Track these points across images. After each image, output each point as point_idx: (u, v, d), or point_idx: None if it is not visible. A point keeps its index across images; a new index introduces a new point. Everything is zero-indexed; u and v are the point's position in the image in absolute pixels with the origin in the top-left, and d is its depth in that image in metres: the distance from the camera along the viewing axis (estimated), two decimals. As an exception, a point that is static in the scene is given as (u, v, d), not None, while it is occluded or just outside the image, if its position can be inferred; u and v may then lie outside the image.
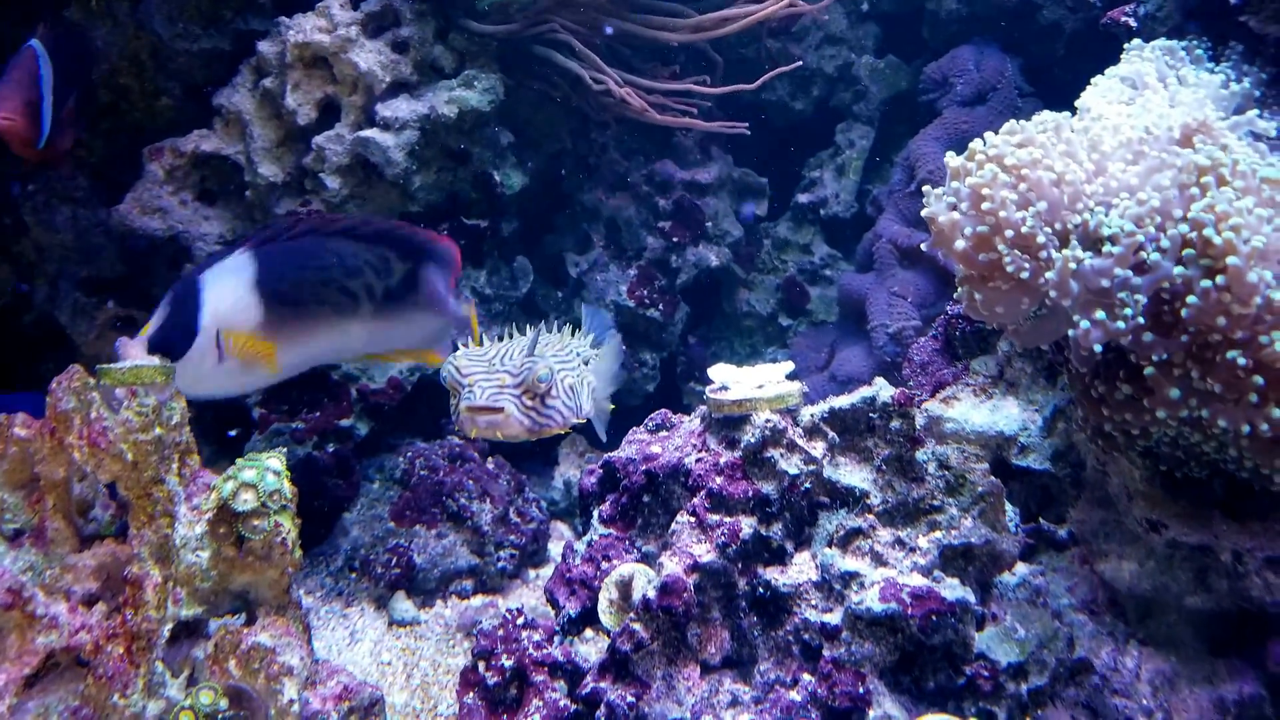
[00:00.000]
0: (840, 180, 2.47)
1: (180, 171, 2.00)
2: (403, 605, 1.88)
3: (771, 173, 2.51)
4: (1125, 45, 1.31)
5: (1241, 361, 0.95)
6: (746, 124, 2.14)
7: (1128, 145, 1.01)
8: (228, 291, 1.49)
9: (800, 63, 2.34)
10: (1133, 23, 1.47)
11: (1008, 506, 1.29)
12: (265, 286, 1.51)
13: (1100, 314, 0.94)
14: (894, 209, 2.18)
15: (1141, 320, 0.97)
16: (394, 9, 1.99)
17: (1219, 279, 0.93)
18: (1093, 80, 1.22)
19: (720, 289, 2.48)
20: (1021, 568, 1.25)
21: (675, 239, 2.32)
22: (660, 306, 2.29)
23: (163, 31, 1.97)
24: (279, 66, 1.97)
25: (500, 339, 1.47)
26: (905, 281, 2.06)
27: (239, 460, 1.27)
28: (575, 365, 1.38)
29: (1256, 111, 1.11)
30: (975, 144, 1.10)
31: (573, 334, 1.61)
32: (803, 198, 2.49)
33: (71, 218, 2.05)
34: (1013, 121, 1.11)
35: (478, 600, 1.95)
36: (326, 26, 1.95)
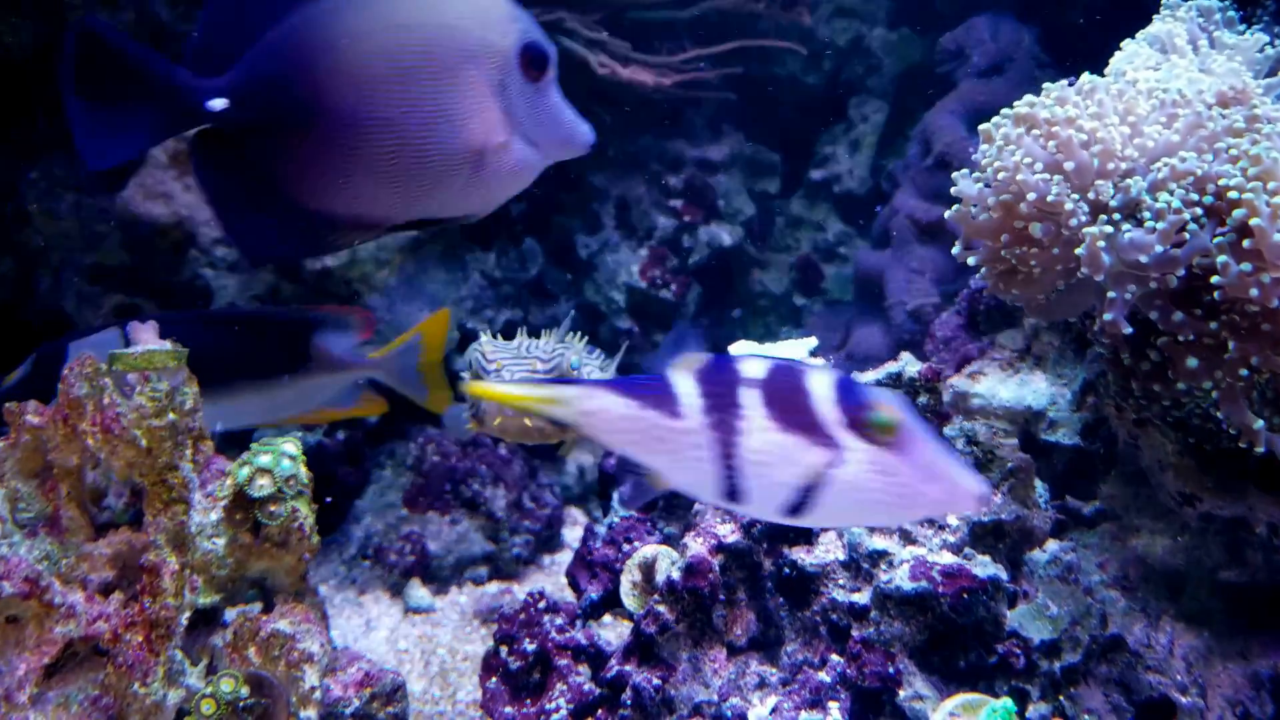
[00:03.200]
0: (854, 156, 2.47)
1: (185, 155, 2.00)
2: (418, 592, 1.89)
3: (784, 149, 2.51)
4: (1163, 3, 1.30)
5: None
6: (706, 125, 2.15)
7: (1162, 108, 1.00)
8: None
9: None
10: (1157, -15, 1.45)
11: (1037, 482, 1.29)
12: None
13: (1133, 288, 0.94)
14: (910, 184, 2.17)
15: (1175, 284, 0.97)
16: None
17: (1245, 264, 0.93)
18: (1122, 44, 1.22)
19: (733, 267, 2.48)
20: (1052, 544, 1.25)
21: (687, 218, 2.32)
22: (672, 287, 2.29)
23: (164, 14, 1.96)
24: (283, 47, 1.96)
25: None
26: (924, 258, 2.06)
27: (254, 445, 1.27)
28: (596, 360, 1.37)
29: (1289, 74, 1.10)
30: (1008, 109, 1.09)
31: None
32: (816, 174, 2.50)
33: (75, 205, 2.05)
34: (1048, 84, 1.10)
35: (493, 587, 1.96)
36: (331, 6, 1.94)
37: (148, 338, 1.33)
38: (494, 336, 1.38)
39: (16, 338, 2.10)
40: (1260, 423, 1.02)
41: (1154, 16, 1.21)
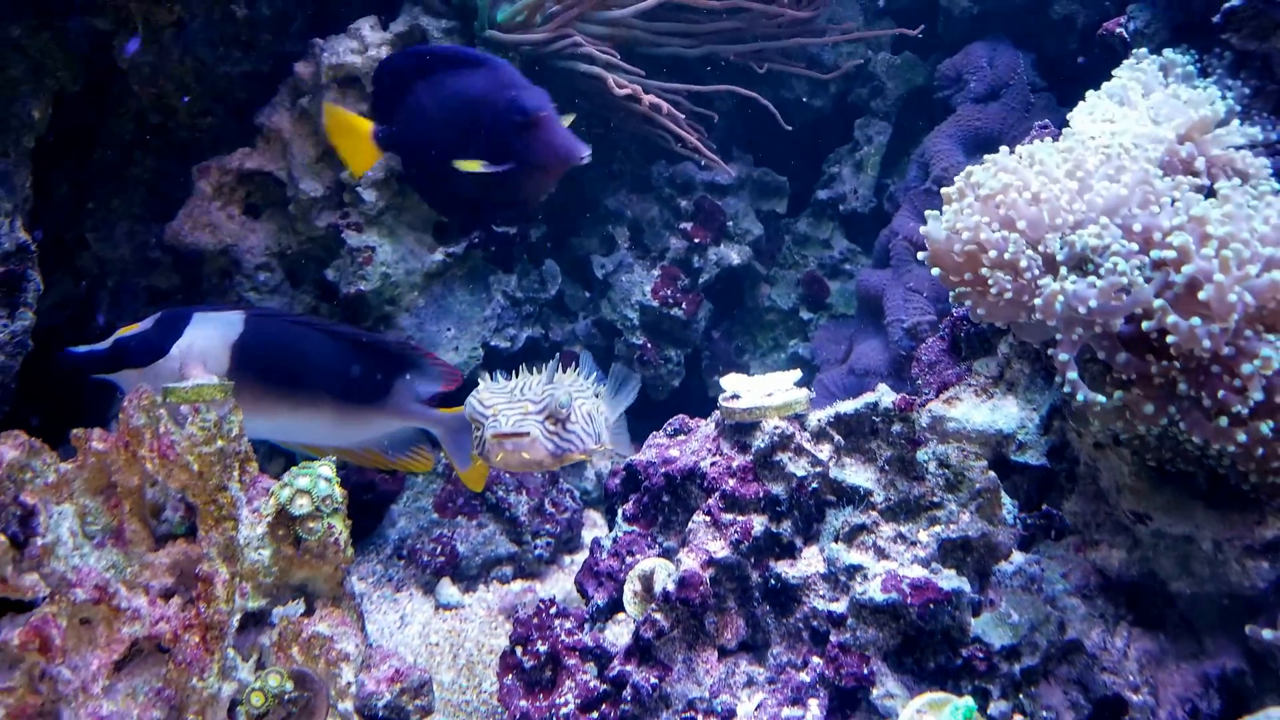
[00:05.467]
0: (859, 176, 2.54)
1: (227, 188, 2.12)
2: (448, 590, 2.01)
3: (791, 170, 2.58)
4: (1129, 57, 1.38)
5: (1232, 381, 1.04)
6: (716, 151, 2.25)
7: (1109, 162, 1.09)
8: (207, 337, 1.64)
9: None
10: (1125, 35, 1.53)
11: (1006, 500, 1.38)
12: (240, 348, 1.65)
13: (1080, 330, 1.03)
14: (909, 206, 2.25)
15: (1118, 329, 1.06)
16: (421, 28, 2.10)
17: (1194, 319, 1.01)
18: (1085, 96, 1.30)
19: (742, 285, 2.57)
20: (1018, 557, 1.34)
21: (697, 239, 2.41)
22: (683, 305, 2.38)
23: (206, 55, 2.08)
24: (315, 86, 2.08)
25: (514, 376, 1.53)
26: (920, 277, 2.14)
27: (293, 469, 1.40)
28: (590, 395, 1.46)
29: (1238, 122, 1.18)
30: (959, 178, 1.18)
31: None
32: (822, 194, 2.57)
33: (129, 233, 2.18)
34: (989, 156, 1.19)
35: (517, 585, 2.07)
36: (359, 48, 2.06)
37: (197, 373, 1.46)
38: (495, 378, 1.46)
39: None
40: (1225, 419, 1.09)
41: (1114, 72, 1.29)
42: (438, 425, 1.82)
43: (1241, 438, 1.07)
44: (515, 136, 1.70)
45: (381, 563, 2.12)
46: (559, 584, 2.08)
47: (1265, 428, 1.06)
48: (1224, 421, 1.07)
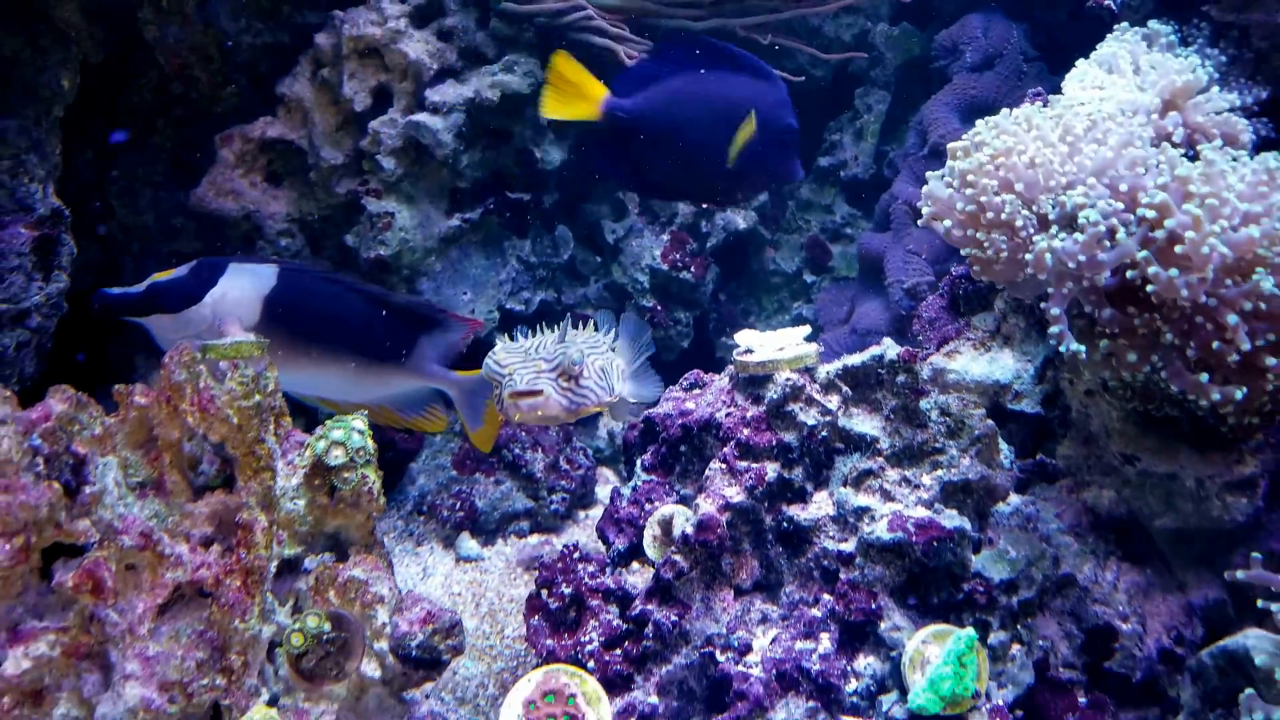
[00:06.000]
0: (859, 143, 2.58)
1: (249, 156, 2.15)
2: (468, 544, 2.07)
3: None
4: (1114, 28, 1.42)
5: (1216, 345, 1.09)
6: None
7: (1096, 127, 1.13)
8: (241, 287, 1.66)
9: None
10: (1114, 7, 1.57)
11: (1003, 446, 1.43)
12: (272, 301, 1.67)
13: (1070, 285, 1.08)
14: (908, 171, 2.29)
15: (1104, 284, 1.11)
16: (439, 1, 2.12)
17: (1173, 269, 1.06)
18: (1076, 64, 1.34)
19: (748, 249, 2.61)
20: (1015, 498, 1.39)
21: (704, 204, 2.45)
22: (692, 269, 2.42)
23: (228, 27, 2.11)
24: (335, 57, 2.11)
25: (531, 335, 1.56)
26: (919, 240, 2.18)
27: (328, 421, 1.44)
28: (604, 350, 1.49)
29: (1218, 89, 1.22)
30: (963, 138, 1.22)
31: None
32: (824, 160, 2.61)
33: (153, 200, 2.21)
34: (990, 117, 1.23)
35: (534, 539, 2.12)
36: (378, 20, 2.08)
37: (235, 330, 1.50)
38: (510, 339, 1.50)
39: (101, 322, 2.28)
40: (1205, 376, 1.14)
41: (1100, 44, 1.33)
42: (453, 386, 1.85)
43: (1215, 396, 1.12)
44: (774, 147, 1.79)
45: (402, 518, 2.18)
46: (574, 538, 2.13)
47: (1239, 393, 1.11)
48: (1204, 378, 1.12)
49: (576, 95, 1.82)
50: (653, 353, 1.56)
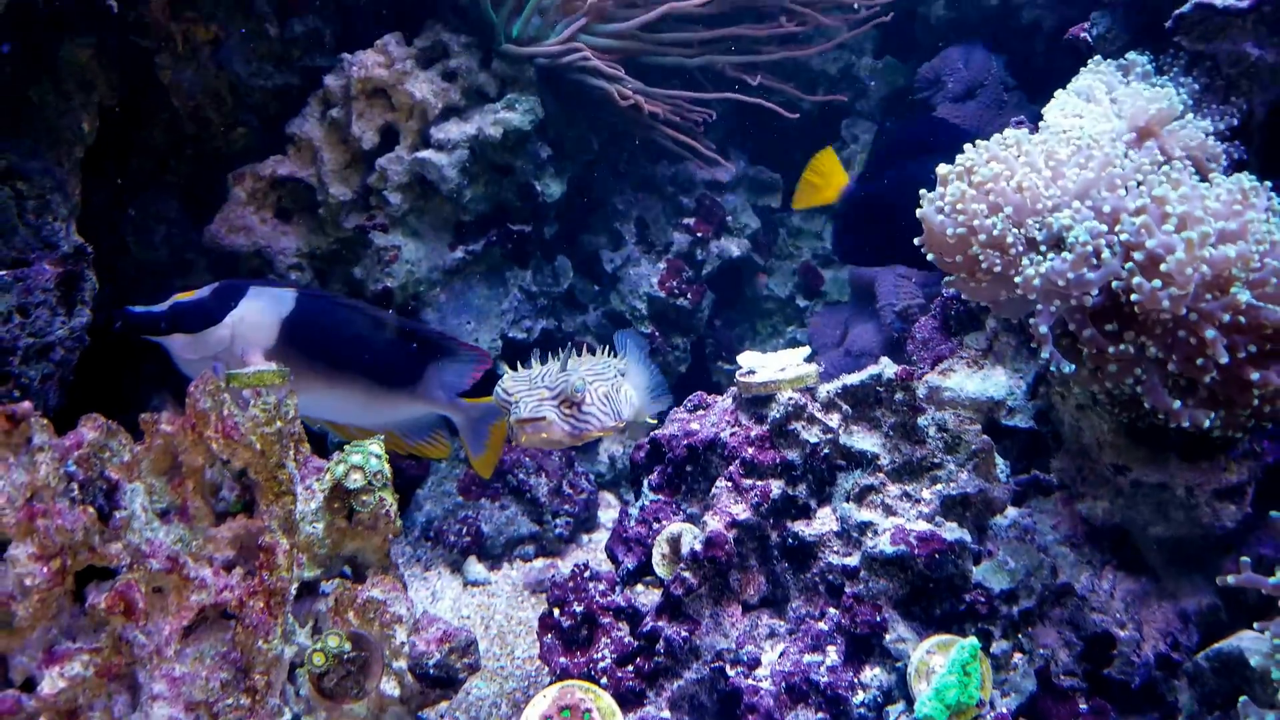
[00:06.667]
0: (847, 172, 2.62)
1: (260, 193, 2.18)
2: (475, 568, 2.07)
3: (784, 167, 2.67)
4: (1089, 61, 1.46)
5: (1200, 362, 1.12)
6: (728, 164, 2.34)
7: (1080, 151, 1.17)
8: (260, 310, 1.67)
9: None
10: (1089, 39, 1.62)
11: (999, 460, 1.45)
12: (289, 324, 1.68)
13: (1057, 303, 1.11)
14: (896, 199, 2.33)
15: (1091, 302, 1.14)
16: (443, 43, 2.16)
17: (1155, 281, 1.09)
18: (1055, 94, 1.38)
19: (742, 275, 2.65)
20: (1012, 511, 1.42)
21: (699, 233, 2.48)
22: (688, 295, 2.46)
23: (240, 70, 2.14)
24: (344, 98, 2.14)
25: (546, 361, 1.58)
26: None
27: (346, 447, 1.46)
28: (610, 376, 1.52)
29: (1192, 115, 1.26)
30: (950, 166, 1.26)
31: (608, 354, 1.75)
32: (814, 189, 2.65)
33: (167, 236, 2.23)
34: (979, 142, 1.27)
35: (539, 562, 2.13)
36: (385, 61, 2.12)
37: (256, 360, 1.52)
38: (517, 368, 1.52)
39: (114, 355, 2.29)
40: (1178, 403, 1.18)
41: (1076, 75, 1.37)
42: (459, 413, 1.85)
43: (1185, 422, 1.16)
44: None
45: (410, 544, 2.18)
46: (579, 561, 2.13)
47: (1207, 420, 1.14)
48: (1177, 404, 1.15)
49: (825, 185, 1.91)
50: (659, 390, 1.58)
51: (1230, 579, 1.18)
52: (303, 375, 1.69)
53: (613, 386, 1.52)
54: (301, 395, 1.70)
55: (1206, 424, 1.14)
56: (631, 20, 2.23)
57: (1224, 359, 1.13)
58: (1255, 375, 1.15)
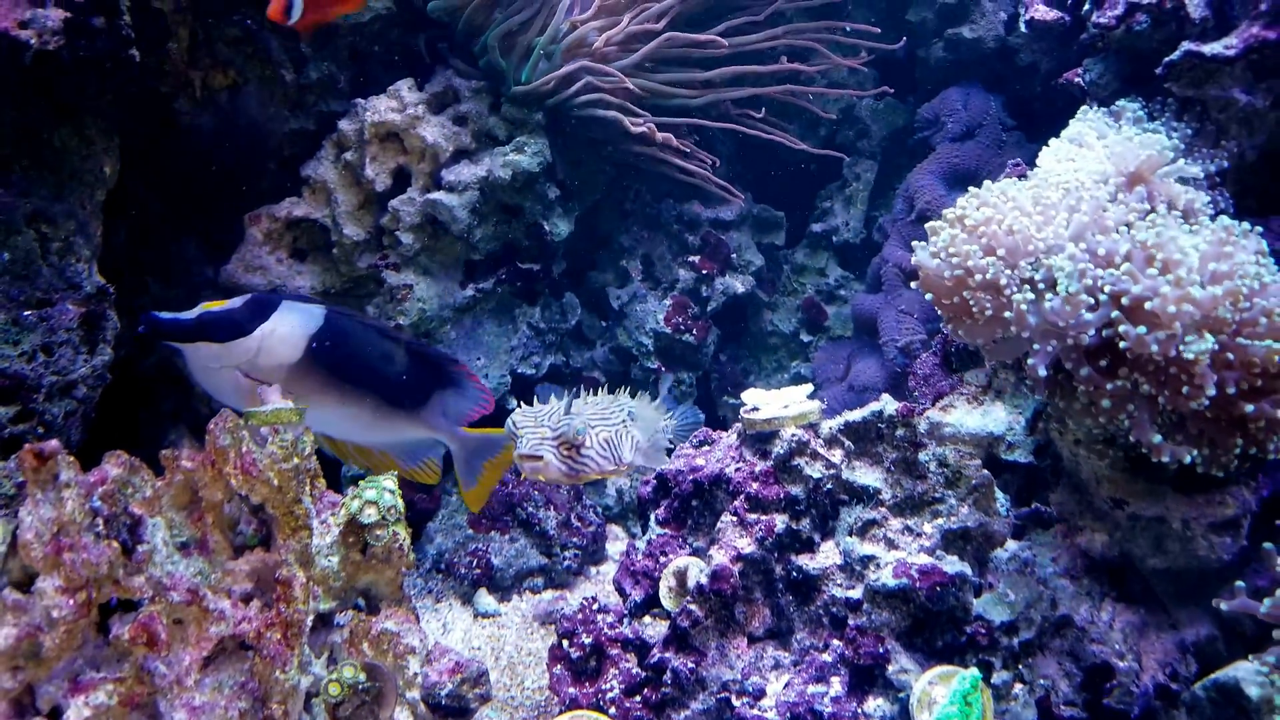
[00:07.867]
0: (849, 210, 2.67)
1: (276, 234, 2.23)
2: (485, 600, 2.10)
3: (787, 205, 2.72)
4: (1086, 103, 1.51)
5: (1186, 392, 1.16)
6: (738, 195, 2.38)
7: (1069, 194, 1.21)
8: (290, 324, 1.68)
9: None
10: (1083, 84, 1.67)
11: (999, 494, 1.48)
12: (316, 340, 1.69)
13: (1054, 343, 1.15)
14: (897, 235, 2.37)
15: (1088, 342, 1.17)
16: (454, 88, 2.23)
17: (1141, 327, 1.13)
18: (1049, 142, 1.42)
19: (747, 311, 2.69)
20: (1012, 544, 1.44)
21: (704, 270, 2.53)
22: (694, 331, 2.50)
23: (257, 115, 2.20)
24: (357, 142, 2.20)
25: (580, 395, 1.61)
26: (911, 300, 2.25)
27: (360, 482, 1.49)
28: (616, 420, 1.56)
29: (1183, 160, 1.31)
30: (947, 212, 1.30)
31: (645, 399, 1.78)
32: (816, 227, 2.70)
33: (184, 276, 2.29)
34: (971, 189, 1.31)
35: (549, 594, 2.16)
36: (397, 106, 2.19)
37: (274, 398, 1.56)
38: (529, 404, 1.57)
39: (134, 390, 2.34)
40: (1159, 437, 1.21)
41: (1070, 122, 1.42)
42: (456, 442, 1.87)
43: (1165, 457, 1.19)
44: None
45: (422, 576, 2.21)
46: (587, 593, 2.16)
47: (1189, 455, 1.18)
48: (1158, 438, 1.19)
49: None
50: (679, 417, 1.62)
51: (1224, 605, 1.21)
52: (320, 391, 1.71)
53: (615, 431, 1.57)
54: (313, 410, 1.71)
55: (1188, 459, 1.17)
56: (634, 56, 2.27)
57: (1211, 391, 1.17)
58: (1250, 409, 1.19)
